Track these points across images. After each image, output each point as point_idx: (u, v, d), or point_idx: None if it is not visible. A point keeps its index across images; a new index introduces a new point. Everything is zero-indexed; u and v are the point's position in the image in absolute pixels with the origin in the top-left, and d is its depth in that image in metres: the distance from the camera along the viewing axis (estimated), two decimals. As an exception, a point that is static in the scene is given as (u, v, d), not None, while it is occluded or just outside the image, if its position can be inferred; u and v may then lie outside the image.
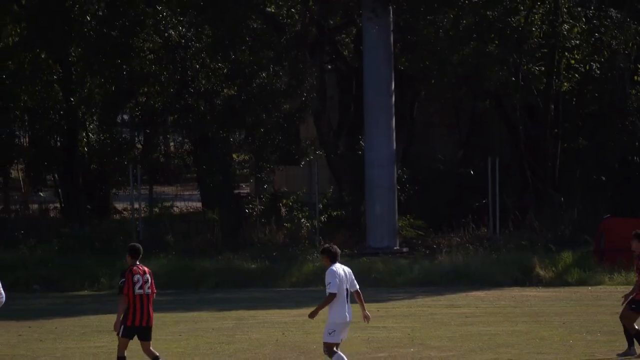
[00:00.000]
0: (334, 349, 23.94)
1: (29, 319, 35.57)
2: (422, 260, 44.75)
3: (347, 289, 23.88)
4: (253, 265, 45.12)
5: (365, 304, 24.09)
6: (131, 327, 24.76)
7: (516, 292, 40.15)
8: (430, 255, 45.72)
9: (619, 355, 27.42)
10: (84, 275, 44.64)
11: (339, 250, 24.34)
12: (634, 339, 27.36)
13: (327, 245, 24.99)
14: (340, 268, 24.00)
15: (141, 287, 24.73)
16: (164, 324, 33.77)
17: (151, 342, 24.80)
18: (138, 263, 25.07)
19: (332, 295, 23.74)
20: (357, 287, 24.18)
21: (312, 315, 24.10)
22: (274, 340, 30.14)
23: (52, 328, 32.76)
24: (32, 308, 38.45)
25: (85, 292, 43.44)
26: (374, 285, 42.18)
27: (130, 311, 24.70)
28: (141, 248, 25.68)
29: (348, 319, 23.94)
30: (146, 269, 25.06)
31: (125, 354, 24.94)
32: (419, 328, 31.89)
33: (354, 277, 24.19)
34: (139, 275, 24.84)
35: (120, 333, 24.87)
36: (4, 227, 53.45)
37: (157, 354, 24.93)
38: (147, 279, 24.88)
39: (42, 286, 44.32)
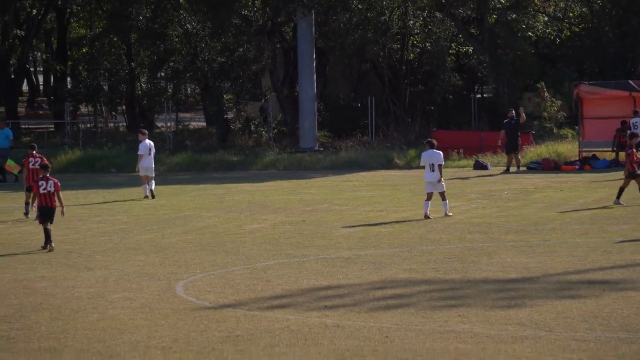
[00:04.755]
0: (427, 198, 24.55)
1: (108, 188, 35.68)
2: (331, 155, 44.95)
3: (431, 164, 24.37)
4: (235, 158, 45.15)
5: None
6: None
7: (383, 172, 40.46)
8: (336, 152, 45.90)
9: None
10: (140, 164, 44.57)
11: (433, 142, 24.96)
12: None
13: (429, 138, 26.25)
14: (429, 152, 24.54)
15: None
16: (185, 191, 33.95)
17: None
18: (34, 152, 25.86)
19: (423, 167, 24.94)
20: (440, 162, 24.46)
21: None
22: (247, 200, 30.32)
23: (122, 194, 32.81)
24: (110, 182, 38.56)
25: (140, 174, 43.47)
26: (303, 170, 42.37)
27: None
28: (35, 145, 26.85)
29: (427, 179, 24.56)
30: (41, 156, 25.68)
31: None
32: (329, 193, 32.05)
33: (439, 157, 24.46)
34: (32, 159, 25.61)
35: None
36: (94, 136, 53.51)
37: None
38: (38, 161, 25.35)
39: (116, 169, 44.34)
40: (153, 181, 30.83)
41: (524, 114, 38.75)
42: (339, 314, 13.94)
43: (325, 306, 14.52)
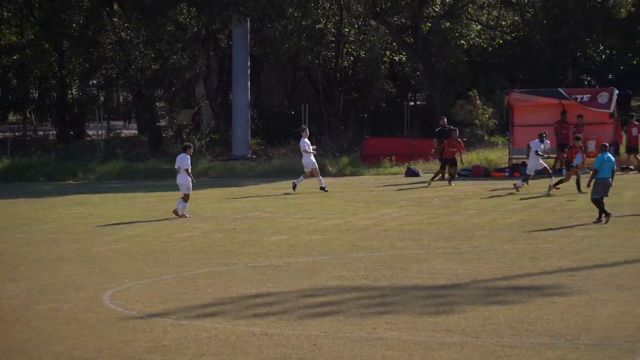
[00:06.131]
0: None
1: (36, 197, 35.22)
2: (263, 163, 44.89)
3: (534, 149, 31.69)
4: (166, 166, 44.78)
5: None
6: None
7: (315, 180, 40.26)
8: (268, 159, 45.84)
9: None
10: (69, 172, 44.11)
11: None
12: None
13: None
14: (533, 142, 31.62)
15: None
16: (115, 200, 33.63)
17: None
18: None
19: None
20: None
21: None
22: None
23: (50, 203, 32.43)
24: (39, 191, 38.05)
25: (70, 182, 43.00)
26: (235, 177, 42.22)
27: None
28: None
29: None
30: None
31: None
32: (261, 201, 32.00)
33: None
34: None
35: None
36: (23, 144, 52.86)
37: None
38: None
39: (45, 178, 43.81)
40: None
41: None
42: (268, 322, 13.91)
43: (254, 314, 14.48)
